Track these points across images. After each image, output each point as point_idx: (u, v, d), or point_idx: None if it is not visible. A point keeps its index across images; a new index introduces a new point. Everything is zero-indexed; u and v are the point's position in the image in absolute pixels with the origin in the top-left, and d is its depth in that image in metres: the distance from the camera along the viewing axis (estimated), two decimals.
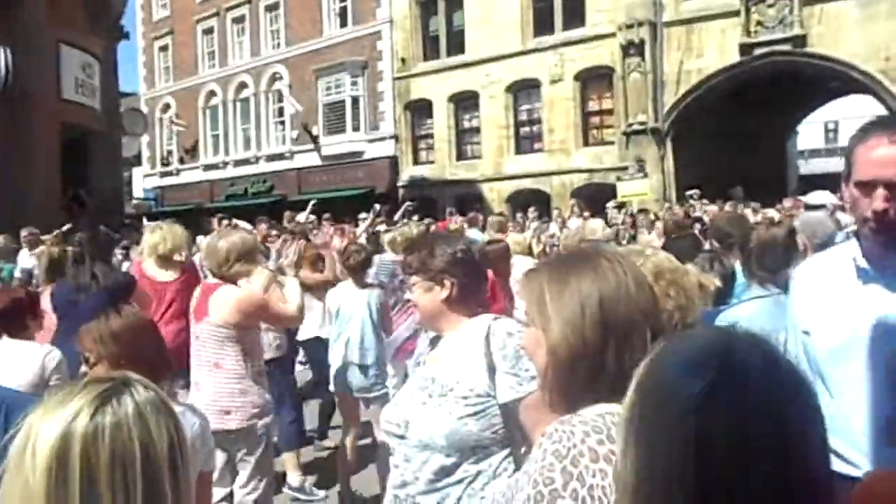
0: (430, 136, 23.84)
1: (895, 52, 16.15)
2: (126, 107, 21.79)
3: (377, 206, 10.48)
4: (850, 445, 1.84)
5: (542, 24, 21.06)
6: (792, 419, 0.83)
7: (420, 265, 2.22)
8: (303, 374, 7.19)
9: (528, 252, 7.27)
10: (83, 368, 2.28)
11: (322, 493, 5.12)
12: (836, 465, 1.80)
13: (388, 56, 24.02)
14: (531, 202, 18.20)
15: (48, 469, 1.05)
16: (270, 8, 27.53)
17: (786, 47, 17.28)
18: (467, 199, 21.04)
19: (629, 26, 18.56)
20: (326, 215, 12.57)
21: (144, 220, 13.74)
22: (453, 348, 2.14)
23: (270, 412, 3.88)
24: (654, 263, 1.74)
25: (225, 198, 27.90)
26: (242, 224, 9.44)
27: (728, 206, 12.41)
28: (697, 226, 9.28)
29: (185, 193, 29.92)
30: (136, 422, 1.11)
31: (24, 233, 8.86)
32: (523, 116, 22.11)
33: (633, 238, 10.43)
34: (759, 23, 17.44)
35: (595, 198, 18.17)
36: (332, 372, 5.12)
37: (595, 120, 20.85)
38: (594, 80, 20.49)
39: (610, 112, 20.22)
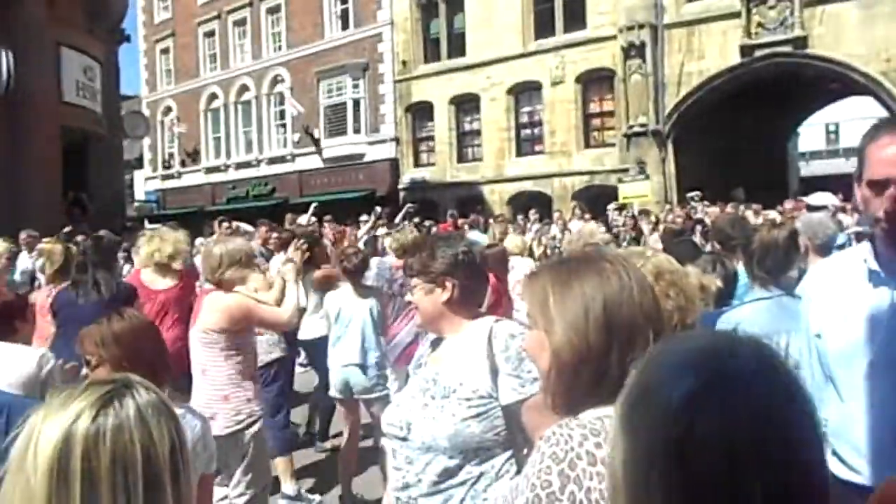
0: (431, 138, 23.82)
1: None
2: (127, 109, 21.84)
3: (378, 209, 10.49)
4: (857, 451, 1.82)
5: (543, 26, 21.06)
6: (785, 424, 0.82)
7: (421, 267, 2.22)
8: (302, 375, 7.19)
9: (529, 254, 7.28)
10: (84, 371, 2.28)
11: (317, 497, 5.09)
12: (842, 473, 1.78)
13: (389, 58, 24.03)
14: (532, 204, 18.15)
15: (49, 470, 1.06)
16: (272, 10, 27.55)
17: (787, 49, 17.26)
18: (468, 201, 21.02)
19: (630, 28, 18.54)
20: (328, 217, 12.57)
21: (146, 223, 13.75)
22: (455, 350, 2.14)
23: (258, 420, 3.83)
24: (654, 264, 1.74)
25: (226, 200, 27.90)
26: (244, 226, 9.43)
27: (729, 208, 12.39)
28: (699, 228, 9.29)
29: (187, 196, 29.95)
30: (138, 424, 1.11)
31: (22, 235, 8.83)
32: (524, 118, 22.08)
33: (636, 240, 10.43)
34: (759, 24, 17.43)
35: (596, 200, 18.18)
36: (332, 374, 5.12)
37: (596, 122, 20.84)
38: (595, 82, 20.48)
39: (611, 114, 20.21)
